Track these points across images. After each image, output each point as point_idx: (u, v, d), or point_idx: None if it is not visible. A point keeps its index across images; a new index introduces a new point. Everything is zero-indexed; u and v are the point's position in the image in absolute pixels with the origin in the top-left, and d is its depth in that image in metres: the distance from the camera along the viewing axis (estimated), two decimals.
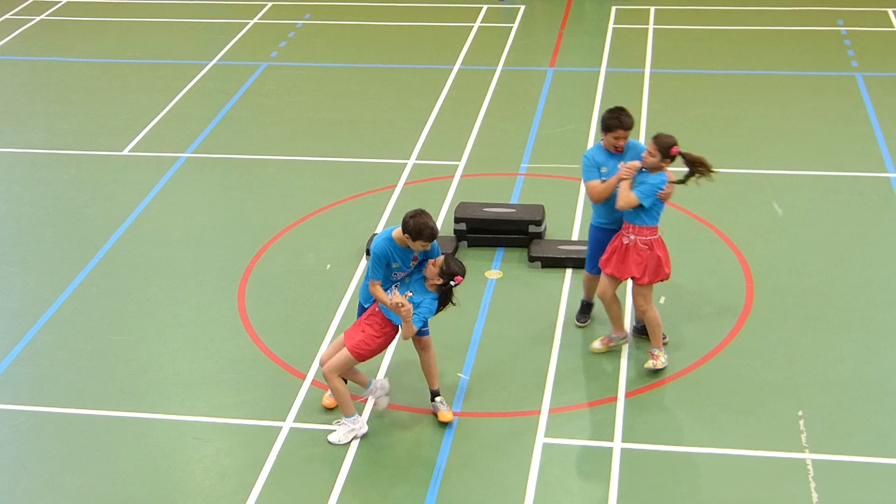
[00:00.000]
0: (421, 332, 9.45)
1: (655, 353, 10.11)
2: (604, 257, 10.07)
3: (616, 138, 9.87)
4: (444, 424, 9.62)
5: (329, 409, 9.82)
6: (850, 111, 15.73)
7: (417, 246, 9.10)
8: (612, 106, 10.01)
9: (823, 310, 11.09)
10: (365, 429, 9.49)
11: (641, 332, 10.62)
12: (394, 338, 9.46)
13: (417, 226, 8.99)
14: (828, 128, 15.25)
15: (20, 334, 11.11)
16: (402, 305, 8.99)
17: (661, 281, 9.96)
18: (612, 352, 10.48)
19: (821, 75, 17.11)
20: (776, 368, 10.21)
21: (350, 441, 9.40)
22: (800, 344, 10.55)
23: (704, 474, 9.01)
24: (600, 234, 10.28)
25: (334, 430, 9.50)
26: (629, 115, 9.87)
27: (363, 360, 9.34)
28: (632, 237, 9.79)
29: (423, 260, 9.37)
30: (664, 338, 10.34)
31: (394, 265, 9.24)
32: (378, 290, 9.20)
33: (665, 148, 9.52)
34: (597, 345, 10.48)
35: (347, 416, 9.43)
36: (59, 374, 10.53)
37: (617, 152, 9.95)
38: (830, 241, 12.36)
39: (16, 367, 10.64)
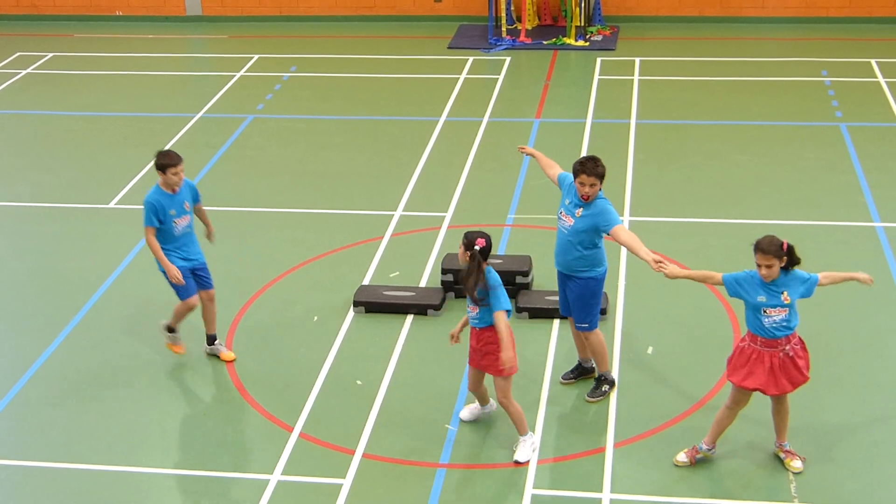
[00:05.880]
0: (207, 285, 11.03)
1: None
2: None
3: (580, 184, 9.85)
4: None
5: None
6: (835, 161, 15.82)
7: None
8: (597, 156, 10.04)
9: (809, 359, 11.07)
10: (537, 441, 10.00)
11: (581, 374, 10.76)
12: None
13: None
14: (813, 178, 15.33)
15: (5, 389, 11.04)
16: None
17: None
18: (599, 402, 10.46)
19: (806, 125, 17.22)
20: (764, 416, 10.18)
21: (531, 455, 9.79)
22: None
23: None
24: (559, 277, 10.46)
25: (518, 450, 9.78)
26: (589, 161, 9.86)
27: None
28: (787, 347, 9.42)
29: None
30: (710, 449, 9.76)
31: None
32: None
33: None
34: (681, 457, 9.68)
35: (523, 434, 9.78)
36: (45, 428, 10.46)
37: (584, 200, 9.96)
38: (817, 292, 12.36)
39: (1, 421, 10.57)
